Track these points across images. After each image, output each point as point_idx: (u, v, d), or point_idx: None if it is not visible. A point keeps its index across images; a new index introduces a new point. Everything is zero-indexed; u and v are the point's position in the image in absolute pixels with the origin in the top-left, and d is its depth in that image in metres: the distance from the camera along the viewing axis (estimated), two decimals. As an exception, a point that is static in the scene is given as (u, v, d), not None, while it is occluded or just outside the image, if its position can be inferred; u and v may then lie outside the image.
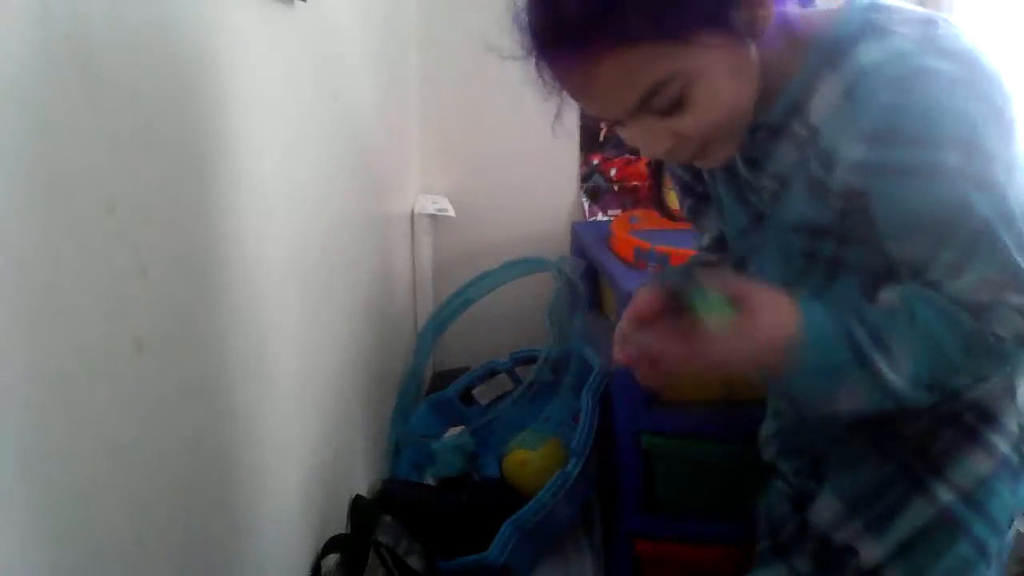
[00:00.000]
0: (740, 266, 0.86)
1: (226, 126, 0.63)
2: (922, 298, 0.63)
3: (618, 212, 1.78)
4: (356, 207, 1.17)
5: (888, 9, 0.64)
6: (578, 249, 1.72)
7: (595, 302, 1.73)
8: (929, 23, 0.62)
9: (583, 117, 1.75)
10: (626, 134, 0.69)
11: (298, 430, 0.85)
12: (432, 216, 1.69)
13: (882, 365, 0.61)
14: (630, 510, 1.31)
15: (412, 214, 1.69)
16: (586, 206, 1.81)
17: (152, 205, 0.51)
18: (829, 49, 0.65)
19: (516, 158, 1.76)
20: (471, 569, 1.10)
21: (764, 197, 0.76)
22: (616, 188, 1.80)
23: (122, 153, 0.47)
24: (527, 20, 0.65)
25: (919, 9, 0.65)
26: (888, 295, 0.66)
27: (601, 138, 1.77)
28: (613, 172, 1.79)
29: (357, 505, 1.10)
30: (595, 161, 1.78)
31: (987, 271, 0.60)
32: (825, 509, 0.81)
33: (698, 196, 0.92)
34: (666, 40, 0.59)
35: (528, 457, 1.25)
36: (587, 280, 1.58)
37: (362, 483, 1.17)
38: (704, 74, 0.61)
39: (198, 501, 0.60)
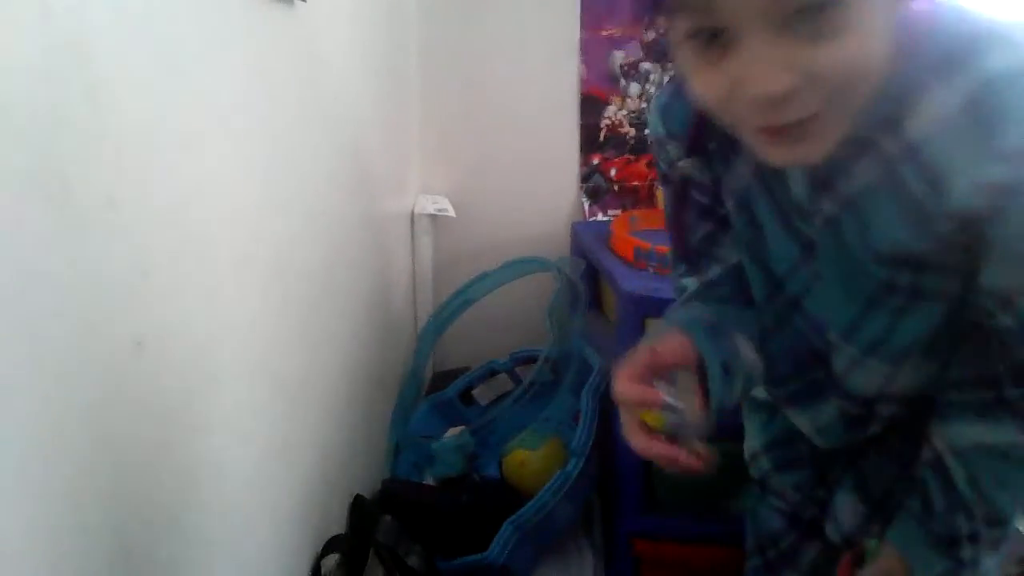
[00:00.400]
0: (794, 305, 0.75)
1: (227, 125, 0.63)
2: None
3: (618, 212, 1.78)
4: (356, 207, 1.17)
5: (978, 15, 0.57)
6: (578, 249, 1.72)
7: (595, 302, 1.73)
8: None
9: (583, 116, 1.75)
10: (737, 60, 0.51)
11: (298, 430, 0.85)
12: (432, 216, 1.69)
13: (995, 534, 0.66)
14: (630, 510, 1.31)
15: (412, 214, 1.69)
16: (586, 206, 1.81)
17: (152, 205, 0.51)
18: (936, 58, 0.56)
19: (516, 158, 1.76)
20: (471, 569, 1.10)
21: (815, 222, 0.68)
22: (616, 188, 1.80)
23: (122, 153, 0.47)
24: None
25: (1007, 11, 0.59)
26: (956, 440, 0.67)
27: (601, 138, 1.77)
28: (613, 172, 1.79)
29: (357, 505, 1.10)
30: (595, 161, 1.78)
31: None
32: (848, 514, 0.80)
33: (718, 220, 0.78)
34: None
35: (528, 457, 1.25)
36: (587, 280, 1.58)
37: (362, 483, 1.17)
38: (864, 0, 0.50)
39: (198, 500, 0.60)
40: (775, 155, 0.57)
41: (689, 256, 0.81)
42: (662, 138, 0.76)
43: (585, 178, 1.80)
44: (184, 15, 0.56)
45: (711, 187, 0.75)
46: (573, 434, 1.21)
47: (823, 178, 0.65)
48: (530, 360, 1.50)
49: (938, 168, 0.58)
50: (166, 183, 0.53)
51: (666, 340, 0.70)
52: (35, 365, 0.39)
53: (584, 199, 1.81)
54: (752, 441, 0.93)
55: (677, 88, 0.71)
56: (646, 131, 0.84)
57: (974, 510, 0.66)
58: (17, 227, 0.37)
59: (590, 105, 1.75)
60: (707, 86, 0.54)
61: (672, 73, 0.75)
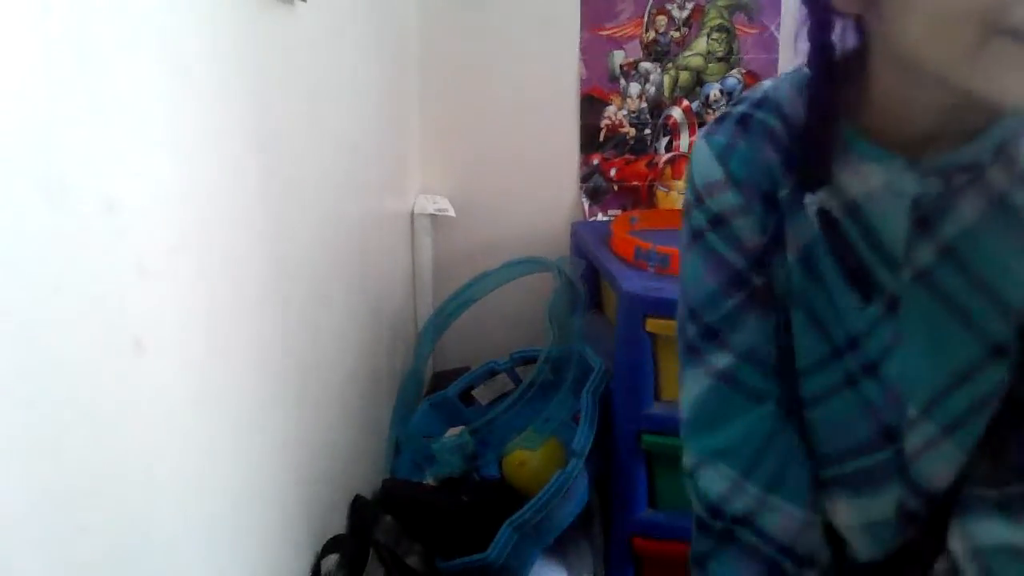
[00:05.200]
0: (868, 371, 0.64)
1: (226, 126, 0.63)
2: None
3: (618, 212, 1.78)
4: (356, 207, 1.17)
5: None
6: (578, 249, 1.72)
7: (595, 302, 1.73)
8: None
9: (583, 116, 1.75)
10: None
11: (298, 430, 0.85)
12: (432, 216, 1.69)
13: None
14: (630, 510, 1.31)
15: (412, 214, 1.69)
16: (586, 206, 1.81)
17: (152, 205, 0.51)
18: None
19: (516, 158, 1.76)
20: (471, 569, 1.10)
21: (904, 275, 0.60)
22: (616, 188, 1.80)
23: (122, 153, 0.47)
24: None
25: None
26: None
27: (601, 138, 1.77)
28: (613, 172, 1.79)
29: (357, 505, 1.10)
30: (595, 161, 1.78)
31: None
32: None
33: (751, 295, 0.66)
34: None
35: (528, 457, 1.25)
36: (587, 280, 1.58)
37: (362, 483, 1.17)
38: None
39: (197, 501, 0.59)
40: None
41: (708, 332, 0.67)
42: (716, 183, 0.64)
43: (585, 178, 1.80)
44: (184, 15, 0.56)
45: (755, 249, 0.64)
46: (573, 434, 1.21)
47: (927, 217, 0.58)
48: (530, 360, 1.50)
49: None
50: (165, 183, 0.53)
51: None
52: (34, 365, 0.39)
53: (584, 199, 1.81)
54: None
55: (739, 126, 0.64)
56: (686, 180, 0.68)
57: None
58: (17, 227, 0.37)
59: (590, 105, 1.75)
60: None
61: (727, 110, 0.65)
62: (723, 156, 0.64)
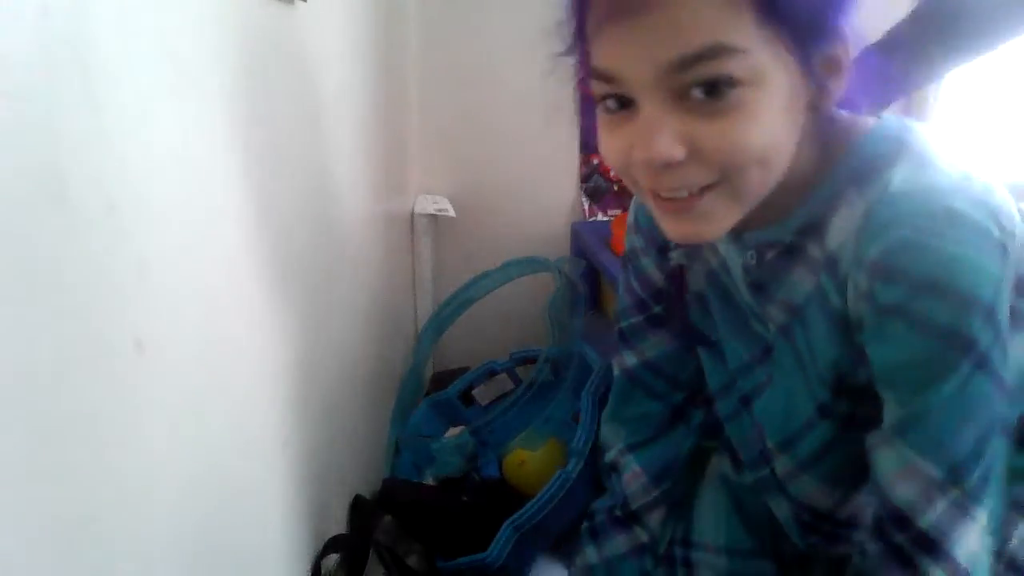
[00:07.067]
0: (744, 403, 0.74)
1: (227, 125, 0.63)
2: None
3: (618, 212, 1.78)
4: (356, 207, 1.17)
5: (923, 134, 0.57)
6: (578, 249, 1.72)
7: (595, 302, 1.73)
8: (968, 165, 0.54)
9: (583, 116, 1.75)
10: (634, 125, 0.54)
11: (298, 430, 0.85)
12: (432, 216, 1.69)
13: None
14: (630, 510, 1.31)
15: (412, 214, 1.69)
16: (586, 206, 1.81)
17: (152, 205, 0.51)
18: (858, 167, 0.57)
19: (516, 158, 1.76)
20: (471, 569, 1.10)
21: (771, 327, 0.66)
22: (616, 188, 1.80)
23: (122, 153, 0.47)
24: None
25: (954, 142, 0.57)
26: None
27: (601, 138, 1.77)
28: (613, 172, 1.79)
29: (357, 505, 1.10)
30: (595, 161, 1.78)
31: (920, 459, 0.53)
32: None
33: (649, 319, 0.83)
34: (748, 10, 0.48)
35: (528, 457, 1.25)
36: (587, 280, 1.58)
37: (362, 483, 1.17)
38: (762, 82, 0.49)
39: (197, 501, 0.59)
40: (670, 228, 0.57)
41: (621, 334, 0.87)
42: (631, 226, 0.82)
43: (585, 178, 1.80)
44: (183, 15, 0.56)
45: (653, 284, 0.81)
46: (573, 434, 1.21)
47: (760, 284, 0.65)
48: (530, 360, 1.50)
49: (844, 277, 0.57)
50: (165, 183, 0.53)
51: None
52: (34, 366, 0.39)
53: (584, 199, 1.81)
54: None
55: None
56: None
57: None
58: (16, 228, 0.37)
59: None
60: (610, 148, 0.59)
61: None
62: (637, 207, 0.81)
